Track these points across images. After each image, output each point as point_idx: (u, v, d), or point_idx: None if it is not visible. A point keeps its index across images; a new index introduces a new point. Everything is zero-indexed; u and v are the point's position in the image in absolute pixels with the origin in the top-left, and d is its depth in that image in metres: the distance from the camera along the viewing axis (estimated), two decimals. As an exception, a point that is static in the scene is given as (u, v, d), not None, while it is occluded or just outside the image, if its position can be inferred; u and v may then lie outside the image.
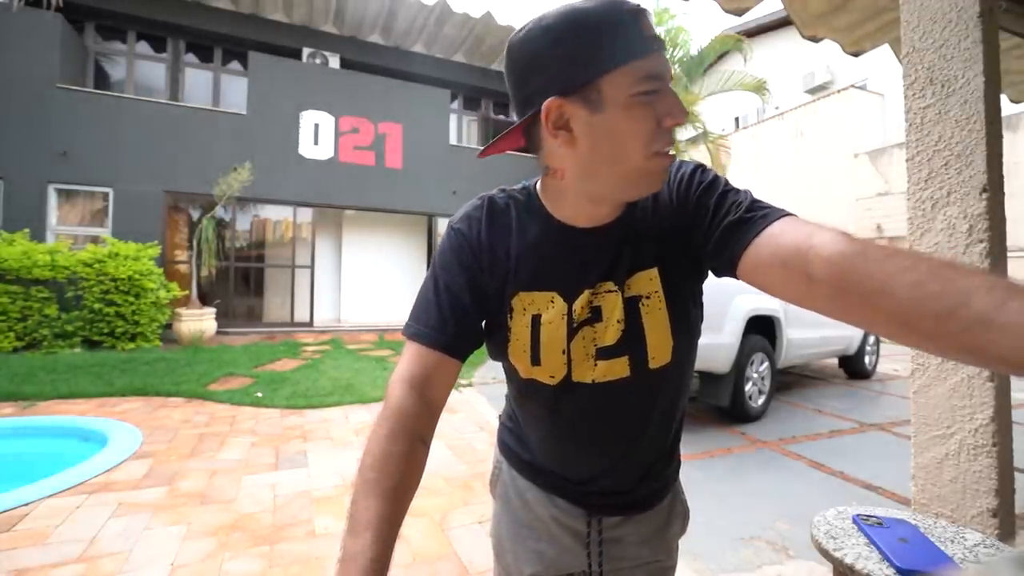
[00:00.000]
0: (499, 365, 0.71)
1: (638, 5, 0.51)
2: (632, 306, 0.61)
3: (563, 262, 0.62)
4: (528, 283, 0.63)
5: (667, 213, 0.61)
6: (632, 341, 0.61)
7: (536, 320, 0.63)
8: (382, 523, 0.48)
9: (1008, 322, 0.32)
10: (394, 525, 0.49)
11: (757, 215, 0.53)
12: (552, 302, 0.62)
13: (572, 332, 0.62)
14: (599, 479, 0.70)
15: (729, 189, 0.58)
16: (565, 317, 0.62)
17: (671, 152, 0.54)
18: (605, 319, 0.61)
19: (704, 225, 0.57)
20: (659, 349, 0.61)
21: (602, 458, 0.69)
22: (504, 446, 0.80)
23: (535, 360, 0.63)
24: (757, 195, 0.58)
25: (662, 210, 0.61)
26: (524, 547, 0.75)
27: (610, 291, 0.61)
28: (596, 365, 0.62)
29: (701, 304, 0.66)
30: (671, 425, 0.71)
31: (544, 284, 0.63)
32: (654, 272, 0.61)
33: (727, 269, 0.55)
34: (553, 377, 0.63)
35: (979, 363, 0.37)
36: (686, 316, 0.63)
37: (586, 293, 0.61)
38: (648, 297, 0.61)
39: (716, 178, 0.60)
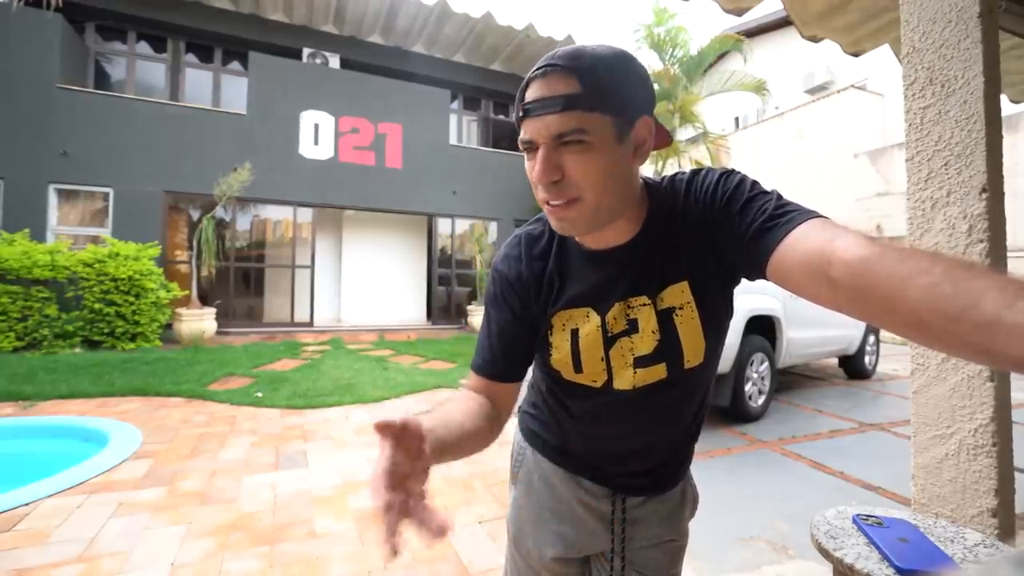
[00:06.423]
0: None
1: (535, 71, 0.57)
2: (666, 317, 0.66)
3: (592, 281, 0.68)
4: (565, 302, 0.70)
5: (693, 225, 0.63)
6: (668, 348, 0.66)
7: (575, 334, 0.69)
8: (441, 421, 0.57)
9: (1016, 323, 0.33)
10: (454, 428, 0.58)
11: (782, 221, 0.54)
12: (588, 316, 0.69)
13: (609, 341, 0.68)
14: (630, 460, 0.76)
15: (755, 194, 0.59)
16: (600, 328, 0.68)
17: (556, 202, 0.59)
18: (641, 330, 0.67)
19: (732, 235, 0.58)
20: (693, 352, 0.67)
21: (637, 444, 0.75)
22: (528, 432, 0.85)
23: (577, 368, 0.70)
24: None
25: (689, 222, 0.63)
26: (546, 530, 0.79)
27: (644, 304, 0.66)
28: (636, 372, 0.68)
29: (731, 303, 0.70)
30: (700, 413, 0.77)
31: (579, 302, 0.69)
32: (684, 285, 0.65)
33: (757, 274, 0.57)
34: (595, 382, 0.70)
35: (991, 363, 0.37)
36: (717, 319, 0.68)
37: (618, 305, 0.67)
38: (681, 308, 0.66)
39: (740, 183, 0.60)
